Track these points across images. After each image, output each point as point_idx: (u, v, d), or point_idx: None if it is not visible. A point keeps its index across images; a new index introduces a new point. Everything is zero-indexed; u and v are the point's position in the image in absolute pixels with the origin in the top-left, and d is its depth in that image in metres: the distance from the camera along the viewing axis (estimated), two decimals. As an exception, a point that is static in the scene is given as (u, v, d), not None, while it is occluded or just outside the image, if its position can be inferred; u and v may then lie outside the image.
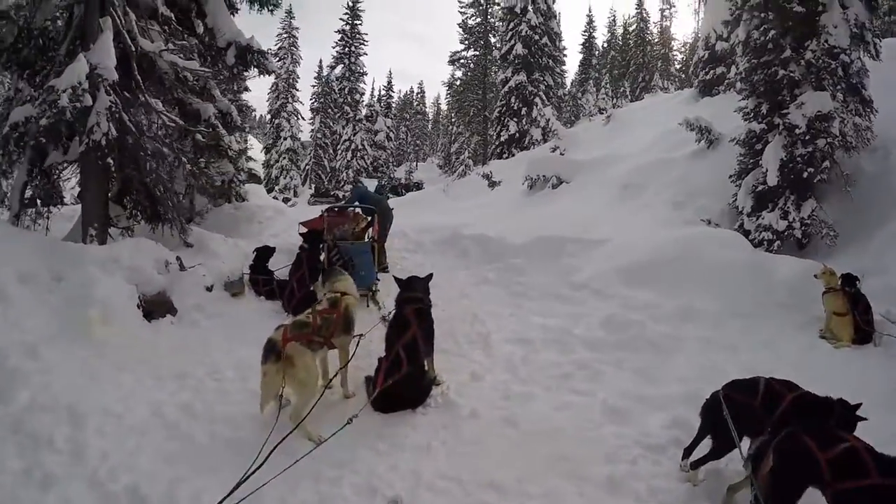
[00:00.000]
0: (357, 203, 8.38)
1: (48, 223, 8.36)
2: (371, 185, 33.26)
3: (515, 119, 29.20)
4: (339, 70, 43.58)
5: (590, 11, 61.69)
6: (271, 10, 9.05)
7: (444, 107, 57.95)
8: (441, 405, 4.22)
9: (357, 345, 4.34)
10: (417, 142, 64.52)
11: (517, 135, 28.96)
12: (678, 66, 44.87)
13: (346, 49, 43.32)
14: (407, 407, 4.14)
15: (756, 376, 3.38)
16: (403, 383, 3.99)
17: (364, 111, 46.29)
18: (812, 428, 2.74)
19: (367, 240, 7.67)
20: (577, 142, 18.68)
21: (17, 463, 3.37)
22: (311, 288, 6.50)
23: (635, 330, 5.50)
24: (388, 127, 49.54)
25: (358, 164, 41.83)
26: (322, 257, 7.18)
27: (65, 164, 7.17)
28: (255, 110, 35.25)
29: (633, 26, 46.34)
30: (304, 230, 7.33)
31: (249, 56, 8.52)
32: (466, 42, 37.80)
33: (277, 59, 40.67)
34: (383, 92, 56.47)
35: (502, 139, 29.63)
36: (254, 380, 4.12)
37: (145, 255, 6.37)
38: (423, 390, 4.25)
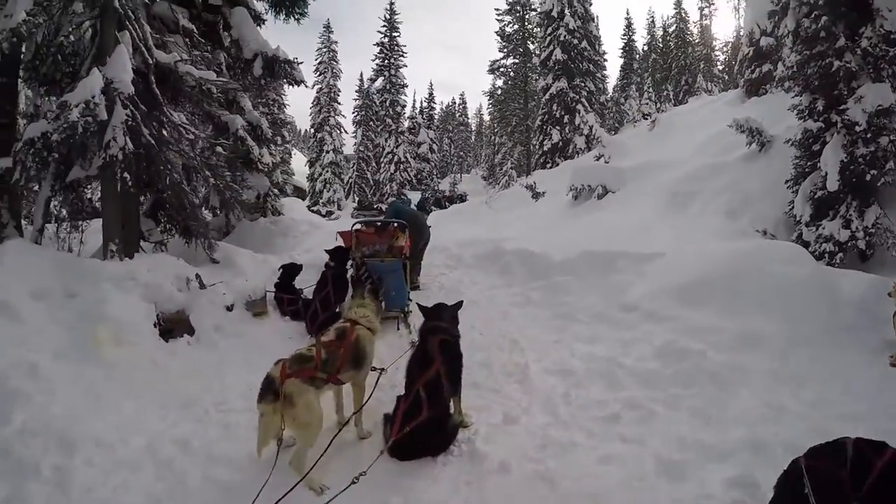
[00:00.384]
0: (382, 218, 7.93)
1: (82, 237, 8.38)
2: (415, 197, 33.58)
3: (558, 127, 28.67)
4: (379, 83, 44.06)
5: (628, 14, 59.91)
6: (297, 19, 8.91)
7: (486, 117, 57.67)
8: (466, 454, 3.62)
9: (377, 381, 3.85)
10: (461, 153, 64.35)
11: (560, 143, 28.42)
12: (721, 67, 43.44)
13: (386, 61, 43.81)
14: (427, 454, 3.59)
15: (842, 438, 2.66)
16: (423, 430, 3.44)
17: (406, 123, 46.51)
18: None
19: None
20: (622, 149, 17.82)
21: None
22: (337, 309, 6.09)
23: (694, 360, 4.78)
24: (431, 139, 49.55)
25: (401, 176, 41.96)
26: (349, 275, 6.75)
27: (89, 179, 7.03)
28: (289, 123, 35.88)
29: (673, 27, 44.96)
30: (336, 245, 6.93)
31: (277, 67, 8.33)
32: (505, 50, 37.64)
33: (318, 73, 41.62)
34: (425, 104, 56.59)
35: (545, 148, 29.14)
36: (260, 412, 3.71)
37: (165, 272, 6.12)
38: (447, 437, 3.70)
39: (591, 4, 30.65)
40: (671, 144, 15.94)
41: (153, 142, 6.29)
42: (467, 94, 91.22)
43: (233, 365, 5.20)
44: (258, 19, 9.26)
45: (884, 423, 3.81)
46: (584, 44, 29.72)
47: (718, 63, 44.29)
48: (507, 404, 4.36)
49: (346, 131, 43.33)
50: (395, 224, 7.51)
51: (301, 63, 8.38)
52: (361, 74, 46.29)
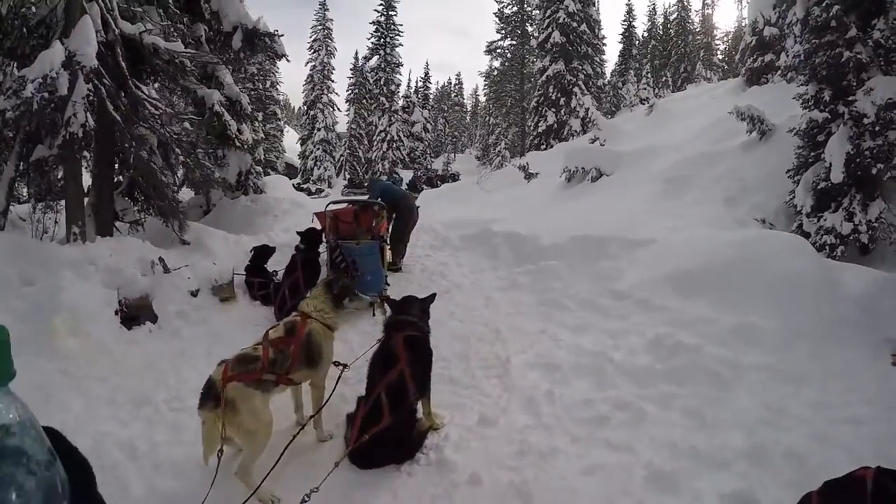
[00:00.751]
0: (364, 198, 7.56)
1: (57, 217, 7.97)
2: (407, 175, 33.16)
3: (554, 109, 28.35)
4: (374, 61, 43.43)
5: (629, 0, 59.45)
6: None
7: (482, 98, 56.95)
8: (434, 463, 3.24)
9: (339, 377, 3.48)
10: (455, 133, 63.55)
11: (555, 125, 28.15)
12: (721, 57, 43.37)
13: (382, 40, 43.24)
14: (390, 463, 3.22)
15: (860, 470, 2.30)
16: (385, 437, 3.06)
17: (401, 102, 45.85)
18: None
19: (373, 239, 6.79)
20: (618, 133, 17.44)
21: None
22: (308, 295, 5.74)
23: (688, 355, 4.44)
24: (426, 118, 48.97)
25: (394, 155, 41.53)
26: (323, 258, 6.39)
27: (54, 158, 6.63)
28: (278, 101, 35.18)
29: (674, 15, 44.67)
30: (308, 227, 6.53)
31: (257, 40, 7.88)
32: (503, 31, 37.41)
33: (312, 50, 40.91)
34: (420, 83, 55.58)
35: (540, 130, 28.82)
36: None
37: (128, 255, 5.77)
38: (412, 445, 3.32)
39: (592, -13, 30.16)
40: (668, 130, 15.52)
41: (118, 118, 5.90)
42: (464, 74, 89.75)
43: (193, 355, 4.86)
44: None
45: (886, 426, 3.56)
46: (584, 27, 29.26)
47: (718, 52, 44.23)
48: (485, 403, 4.00)
49: (339, 109, 42.76)
50: (377, 205, 7.14)
51: (282, 36, 7.91)
52: (357, 53, 45.52)
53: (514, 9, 36.60)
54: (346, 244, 6.38)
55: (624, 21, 46.44)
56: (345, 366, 3.50)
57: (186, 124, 6.52)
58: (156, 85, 7.40)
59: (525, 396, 4.05)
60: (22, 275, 5.10)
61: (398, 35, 43.64)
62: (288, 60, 8.32)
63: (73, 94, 5.39)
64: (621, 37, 46.65)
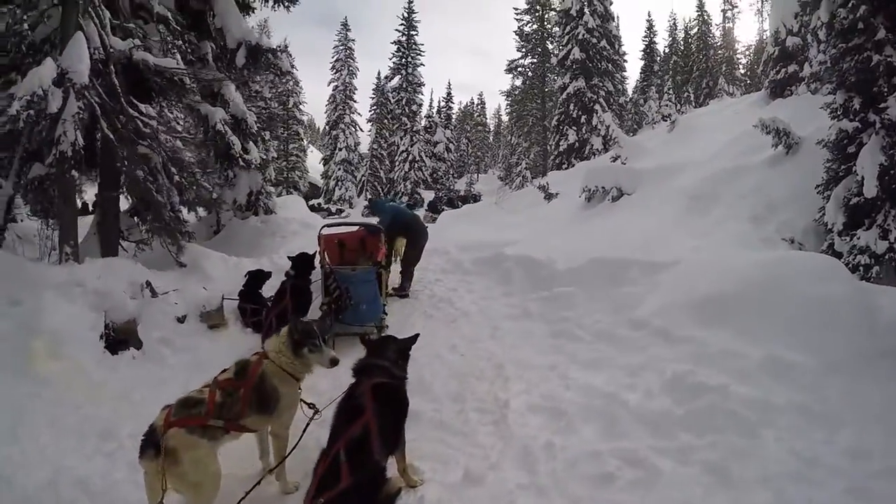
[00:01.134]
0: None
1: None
2: (428, 196, 33.01)
3: (574, 127, 28.02)
4: (396, 81, 43.72)
5: (649, 16, 58.93)
6: (287, 7, 8.29)
7: (504, 117, 56.87)
8: None
9: (308, 422, 3.11)
10: (478, 153, 63.47)
11: (577, 144, 27.78)
12: (743, 71, 42.59)
13: (403, 60, 43.58)
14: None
15: None
16: (342, 502, 2.55)
17: (423, 122, 45.97)
18: None
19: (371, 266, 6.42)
20: (640, 150, 16.94)
21: None
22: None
23: (711, 397, 3.95)
24: (448, 138, 48.98)
25: (416, 175, 41.47)
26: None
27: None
28: (292, 119, 35.57)
29: (695, 30, 44.04)
30: (299, 252, 6.20)
31: (260, 56, 7.75)
32: (523, 50, 37.27)
33: (334, 70, 41.41)
34: (443, 103, 55.82)
35: (561, 149, 28.47)
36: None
37: (117, 278, 5.56)
38: None
39: (611, 3, 29.96)
40: (691, 146, 15.06)
41: (111, 136, 5.73)
42: (486, 94, 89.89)
43: (171, 385, 4.54)
44: (246, 8, 8.70)
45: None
46: (604, 43, 29.03)
47: (740, 66, 43.50)
48: (474, 455, 3.56)
49: (361, 129, 43.07)
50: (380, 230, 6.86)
51: (284, 51, 7.85)
52: (379, 73, 45.90)
53: (534, 26, 36.56)
54: (341, 270, 6.06)
55: (644, 37, 46.25)
56: (316, 410, 3.13)
57: (178, 143, 6.27)
58: (163, 103, 7.28)
59: (521, 448, 3.61)
60: (9, 295, 4.93)
61: (419, 55, 44.00)
62: (292, 76, 8.14)
63: (64, 112, 5.26)
64: (642, 53, 46.35)
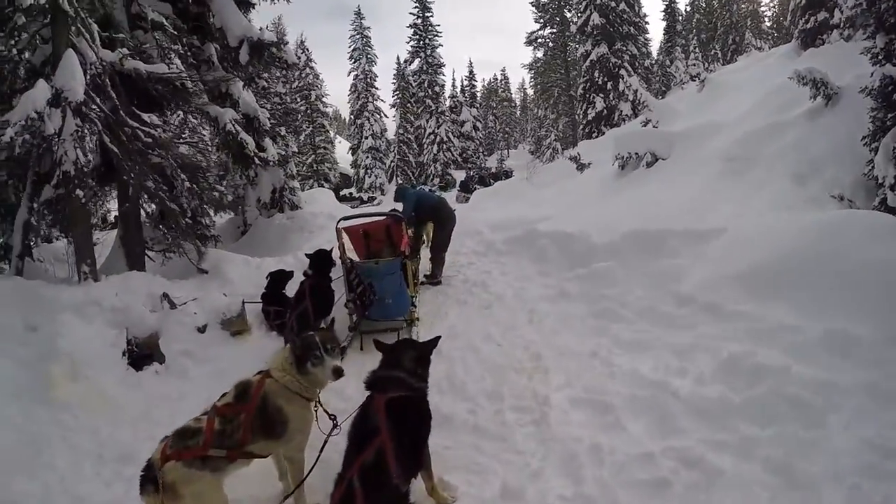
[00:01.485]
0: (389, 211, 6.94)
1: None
2: (459, 176, 32.70)
3: (601, 94, 27.25)
4: (415, 64, 43.19)
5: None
6: (288, -1, 7.96)
7: (529, 91, 55.75)
8: None
9: (324, 443, 2.83)
10: (507, 129, 62.51)
11: (605, 111, 27.04)
12: (769, 23, 41.09)
13: (421, 42, 42.89)
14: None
15: None
16: None
17: (447, 103, 45.41)
18: None
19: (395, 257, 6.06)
20: (671, 113, 16.34)
21: None
22: (322, 325, 5.15)
23: (771, 381, 3.52)
24: (474, 117, 48.40)
25: (445, 156, 41.11)
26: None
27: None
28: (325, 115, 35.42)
29: (716, -16, 42.09)
30: (317, 249, 5.91)
31: (263, 51, 7.49)
32: (541, 20, 36.45)
33: (352, 60, 41.20)
34: (466, 82, 54.87)
35: (589, 117, 27.76)
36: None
37: (135, 292, 5.47)
38: None
39: (626, -35, 28.81)
40: (723, 105, 14.33)
41: (115, 149, 5.56)
42: (508, 69, 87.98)
43: (193, 399, 4.38)
44: (247, 4, 8.44)
45: None
46: (623, 6, 28.05)
47: (766, 19, 42.17)
48: (513, 464, 3.21)
49: (386, 115, 42.87)
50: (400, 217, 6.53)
51: (286, 44, 7.55)
52: (398, 57, 45.32)
53: None
54: (363, 265, 5.76)
55: (664, -2, 44.41)
56: (335, 425, 2.85)
57: (183, 149, 6.07)
58: (172, 109, 7.11)
59: (565, 452, 3.27)
60: (26, 320, 4.87)
61: (437, 36, 43.24)
62: (299, 68, 7.87)
63: (63, 132, 5.13)
64: (663, 13, 44.44)
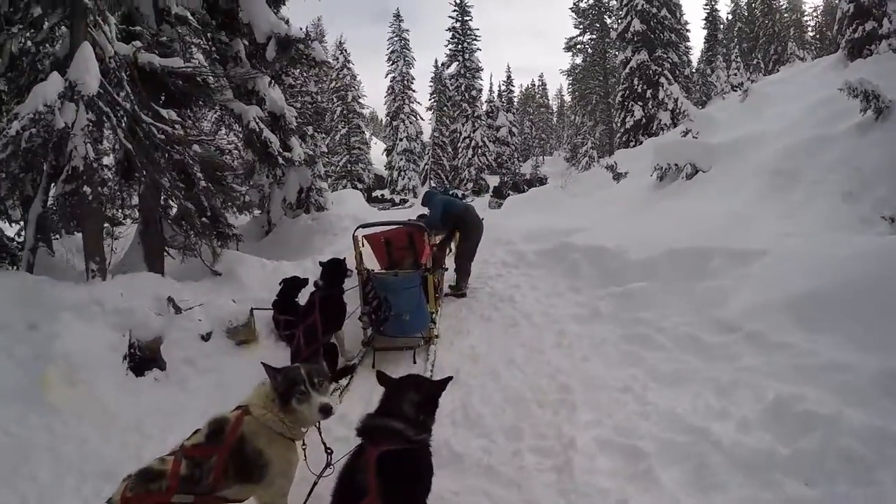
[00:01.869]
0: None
1: (113, 245, 7.79)
2: (493, 181, 32.45)
3: (640, 103, 26.74)
4: (453, 68, 43.34)
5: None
6: (319, -7, 7.76)
7: (567, 98, 55.14)
8: None
9: (314, 483, 2.48)
10: (543, 135, 62.00)
11: (643, 120, 26.52)
12: (812, 34, 40.55)
13: (459, 46, 43.01)
14: None
15: None
16: None
17: (484, 107, 45.18)
18: None
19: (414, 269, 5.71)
20: (712, 123, 15.75)
21: None
22: (332, 340, 4.83)
23: (822, 431, 3.04)
24: (511, 122, 48.09)
25: (479, 161, 40.91)
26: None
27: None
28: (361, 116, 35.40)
29: (758, -7, 41.05)
30: (331, 257, 5.58)
31: (291, 47, 7.28)
32: (581, 26, 36.47)
33: (390, 62, 41.52)
34: (503, 87, 54.57)
35: (627, 126, 27.25)
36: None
37: (141, 293, 5.26)
38: None
39: (667, -30, 28.24)
40: (767, 116, 13.67)
41: (130, 146, 5.37)
42: (546, 75, 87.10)
43: (189, 412, 4.11)
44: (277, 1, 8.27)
45: None
46: (664, 12, 27.53)
47: (809, 29, 41.52)
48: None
49: (421, 118, 42.89)
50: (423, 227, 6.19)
51: (314, 41, 7.37)
52: (436, 61, 45.40)
53: (591, 2, 35.53)
54: (380, 276, 5.41)
55: (706, 4, 43.40)
56: (327, 465, 2.50)
57: (196, 147, 5.85)
58: (195, 105, 6.95)
59: (589, 509, 2.81)
60: (27, 318, 4.71)
61: (475, 40, 43.28)
62: (329, 66, 7.64)
63: (74, 127, 5.00)
64: (705, 21, 43.60)
